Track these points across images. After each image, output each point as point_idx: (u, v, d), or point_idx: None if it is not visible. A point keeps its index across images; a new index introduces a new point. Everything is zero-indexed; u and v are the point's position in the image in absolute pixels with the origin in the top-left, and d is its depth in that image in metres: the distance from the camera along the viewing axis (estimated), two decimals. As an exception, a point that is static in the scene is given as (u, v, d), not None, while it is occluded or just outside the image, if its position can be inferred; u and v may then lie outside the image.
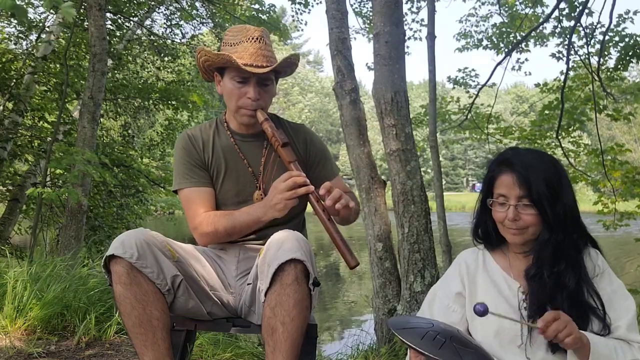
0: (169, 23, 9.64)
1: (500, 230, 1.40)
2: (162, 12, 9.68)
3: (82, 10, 6.49)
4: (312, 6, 9.42)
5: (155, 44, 9.43)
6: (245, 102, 1.67)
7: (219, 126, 1.80)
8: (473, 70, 7.95)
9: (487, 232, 1.45)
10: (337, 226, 1.53)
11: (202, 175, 1.73)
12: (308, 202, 1.59)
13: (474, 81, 7.93)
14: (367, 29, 9.30)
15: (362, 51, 9.53)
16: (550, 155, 1.44)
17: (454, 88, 8.15)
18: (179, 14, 9.54)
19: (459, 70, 8.02)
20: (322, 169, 1.83)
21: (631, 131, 37.45)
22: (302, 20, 12.02)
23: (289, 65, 1.74)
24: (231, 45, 1.67)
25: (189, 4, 9.56)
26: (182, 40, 9.96)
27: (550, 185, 1.31)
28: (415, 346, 1.19)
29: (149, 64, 9.78)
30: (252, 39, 1.66)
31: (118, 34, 8.51)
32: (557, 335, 1.18)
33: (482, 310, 1.23)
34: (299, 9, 9.49)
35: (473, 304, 1.40)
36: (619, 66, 6.59)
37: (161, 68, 9.73)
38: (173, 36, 9.85)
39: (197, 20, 9.86)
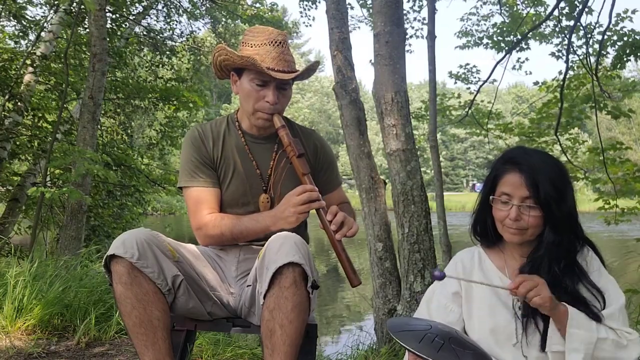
0: (166, 19, 9.63)
1: (498, 229, 1.40)
2: (159, 9, 9.68)
3: (81, 9, 6.49)
4: (319, 2, 9.41)
5: (152, 41, 9.41)
6: (263, 105, 1.66)
7: (230, 124, 1.78)
8: (474, 66, 7.96)
9: (485, 229, 1.46)
10: (343, 243, 1.55)
11: (210, 175, 1.71)
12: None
13: (475, 77, 7.95)
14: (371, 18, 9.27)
15: (365, 42, 9.52)
16: (554, 157, 1.44)
17: (455, 83, 8.15)
18: (176, 10, 9.53)
19: (461, 67, 8.03)
20: (327, 177, 1.84)
21: (631, 132, 37.48)
22: (310, 16, 12.10)
23: (309, 71, 1.74)
24: (252, 47, 1.64)
25: (191, 2, 9.55)
26: (181, 39, 9.97)
27: (555, 187, 1.32)
28: (414, 350, 1.19)
29: (148, 61, 9.77)
30: (275, 42, 1.64)
31: (119, 33, 8.50)
32: (527, 295, 1.23)
33: (439, 276, 1.28)
34: (306, 5, 9.47)
35: (470, 303, 1.42)
36: (617, 65, 6.60)
37: (160, 66, 9.72)
38: (171, 33, 9.84)
39: (200, 21, 9.87)
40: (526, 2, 8.08)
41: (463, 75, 7.97)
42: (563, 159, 6.19)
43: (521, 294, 1.24)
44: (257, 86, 1.65)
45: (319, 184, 1.67)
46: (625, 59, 6.50)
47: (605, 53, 6.75)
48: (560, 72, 6.24)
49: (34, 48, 7.38)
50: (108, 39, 6.49)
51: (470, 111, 6.68)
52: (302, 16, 10.16)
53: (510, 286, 1.25)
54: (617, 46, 6.61)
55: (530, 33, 7.42)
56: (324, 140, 1.90)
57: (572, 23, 6.24)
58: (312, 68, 1.74)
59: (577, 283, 1.33)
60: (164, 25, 9.75)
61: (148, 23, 9.66)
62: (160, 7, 9.48)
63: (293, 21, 11.66)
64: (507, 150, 1.45)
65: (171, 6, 9.45)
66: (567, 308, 1.26)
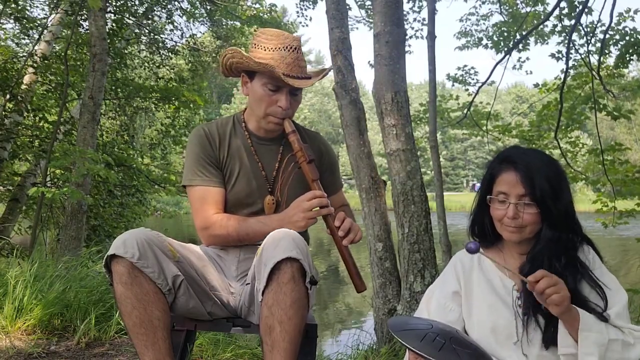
0: (167, 20, 9.65)
1: (497, 228, 1.41)
2: (160, 11, 9.70)
3: (83, 5, 6.50)
4: (317, 1, 9.43)
5: (153, 41, 9.42)
6: (275, 110, 1.66)
7: (236, 124, 1.77)
8: (472, 68, 7.94)
9: (483, 230, 1.47)
10: (350, 250, 1.56)
11: (215, 174, 1.70)
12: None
13: (473, 79, 7.94)
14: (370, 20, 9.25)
15: (365, 42, 9.50)
16: (549, 155, 1.45)
17: (453, 86, 8.13)
18: (178, 12, 9.55)
19: (459, 69, 8.02)
20: (330, 180, 1.84)
21: (632, 132, 37.51)
22: (307, 16, 12.13)
23: (321, 77, 1.75)
24: (265, 50, 1.63)
25: (190, 2, 9.55)
26: (182, 40, 9.98)
27: (551, 184, 1.33)
28: (415, 349, 1.19)
29: (149, 62, 9.77)
30: (290, 48, 1.64)
31: (119, 34, 8.51)
32: (545, 291, 1.19)
33: (473, 249, 1.27)
34: (303, 5, 9.47)
35: (469, 302, 1.42)
36: (619, 64, 6.60)
37: (160, 66, 9.72)
38: (172, 34, 9.87)
39: (199, 22, 9.87)
40: (526, 1, 8.08)
41: (461, 78, 7.96)
42: (562, 162, 6.16)
43: (540, 288, 1.19)
44: (269, 91, 1.64)
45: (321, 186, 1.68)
46: (628, 58, 6.50)
47: (607, 52, 6.73)
48: (562, 71, 6.21)
49: (34, 49, 7.39)
50: (109, 39, 6.49)
51: (468, 112, 6.67)
52: (298, 16, 10.26)
53: (530, 278, 1.20)
54: (619, 45, 6.60)
55: (531, 33, 7.41)
56: (328, 144, 1.91)
57: (572, 22, 6.23)
58: (325, 74, 1.76)
59: (580, 281, 1.33)
60: (165, 25, 9.78)
61: (150, 24, 9.67)
62: (160, 8, 9.50)
63: (290, 21, 11.64)
64: (503, 150, 1.45)
65: (171, 7, 9.46)
66: (577, 310, 1.25)
